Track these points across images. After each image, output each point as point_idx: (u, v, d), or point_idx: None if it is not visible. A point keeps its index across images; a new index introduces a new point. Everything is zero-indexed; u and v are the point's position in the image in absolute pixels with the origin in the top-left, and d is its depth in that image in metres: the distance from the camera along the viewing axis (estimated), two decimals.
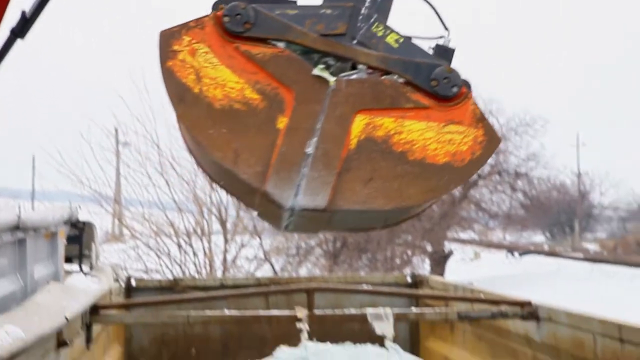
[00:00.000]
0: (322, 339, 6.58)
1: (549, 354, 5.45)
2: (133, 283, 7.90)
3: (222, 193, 18.63)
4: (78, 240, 7.22)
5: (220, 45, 3.41)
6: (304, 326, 5.66)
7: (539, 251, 47.58)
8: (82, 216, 7.48)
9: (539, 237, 59.31)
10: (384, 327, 5.74)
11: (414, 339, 8.26)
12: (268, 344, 7.12)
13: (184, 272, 17.04)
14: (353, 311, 6.12)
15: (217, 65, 3.40)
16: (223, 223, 18.69)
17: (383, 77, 3.50)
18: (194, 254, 18.03)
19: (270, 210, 3.43)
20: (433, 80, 3.43)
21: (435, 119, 3.43)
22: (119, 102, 18.42)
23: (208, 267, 17.80)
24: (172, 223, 18.24)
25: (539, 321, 5.58)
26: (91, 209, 15.51)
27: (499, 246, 48.65)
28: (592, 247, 52.55)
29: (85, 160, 17.84)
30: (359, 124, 3.41)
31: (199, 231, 18.37)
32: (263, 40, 3.45)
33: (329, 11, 3.53)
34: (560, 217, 56.31)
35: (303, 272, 20.50)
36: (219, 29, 3.41)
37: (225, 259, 18.25)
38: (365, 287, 7.32)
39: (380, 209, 3.38)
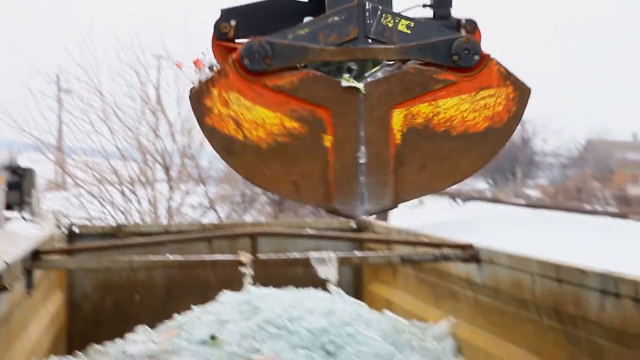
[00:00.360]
0: (265, 284, 6.60)
1: (490, 295, 5.54)
2: (75, 229, 7.81)
3: (167, 141, 18.51)
4: (18, 186, 7.13)
5: (247, 87, 3.49)
6: (247, 271, 5.67)
7: (481, 198, 48.12)
8: (23, 163, 7.38)
9: (481, 184, 59.97)
10: (327, 271, 5.78)
11: (357, 284, 8.34)
12: (212, 289, 7.12)
13: (128, 220, 16.90)
14: (297, 255, 6.15)
15: (251, 107, 3.49)
16: (167, 171, 18.55)
17: (407, 66, 3.61)
18: (138, 202, 17.90)
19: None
20: (454, 55, 3.57)
21: (466, 90, 3.58)
22: (61, 49, 18.14)
23: (152, 215, 17.70)
24: (116, 171, 18.07)
25: (480, 263, 5.65)
26: (33, 157, 15.30)
27: (442, 193, 49.10)
28: (534, 193, 53.29)
29: (27, 108, 17.56)
30: (398, 118, 3.57)
31: (143, 179, 18.23)
32: (285, 68, 3.51)
33: (336, 18, 3.59)
34: (502, 164, 56.92)
35: (248, 220, 20.50)
36: (242, 71, 3.49)
37: (169, 207, 18.14)
38: (309, 231, 7.34)
39: (440, 189, 3.60)
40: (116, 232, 7.94)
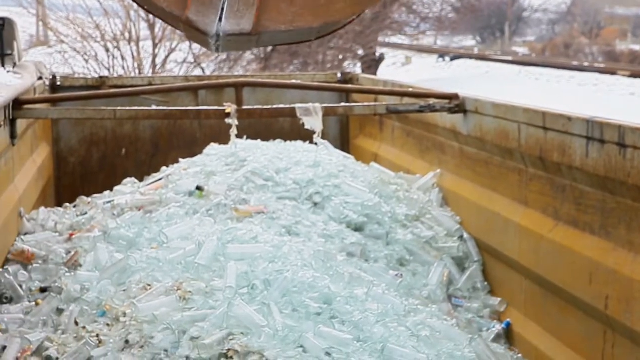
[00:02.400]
0: (253, 137, 6.62)
1: (475, 146, 5.54)
2: (58, 81, 7.70)
3: None
4: None
5: None
6: (233, 121, 5.64)
7: (469, 55, 47.84)
8: (1, 14, 7.23)
9: (469, 42, 59.53)
10: (313, 122, 5.76)
11: (344, 138, 8.35)
12: (199, 143, 7.14)
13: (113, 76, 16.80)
14: (282, 106, 6.13)
15: None
16: (151, 27, 18.30)
17: None
18: (123, 58, 17.74)
19: (196, 35, 3.21)
20: None
21: None
22: None
23: (137, 71, 17.57)
24: (99, 27, 17.82)
25: (466, 113, 5.63)
26: (14, 11, 15.03)
27: (430, 50, 48.77)
28: (522, 50, 52.99)
29: None
30: None
31: (127, 36, 18.00)
32: None
33: None
34: (490, 21, 56.40)
35: None
36: None
37: (154, 63, 18.00)
38: (294, 82, 7.28)
39: (309, 27, 3.17)
40: (99, 84, 7.83)
